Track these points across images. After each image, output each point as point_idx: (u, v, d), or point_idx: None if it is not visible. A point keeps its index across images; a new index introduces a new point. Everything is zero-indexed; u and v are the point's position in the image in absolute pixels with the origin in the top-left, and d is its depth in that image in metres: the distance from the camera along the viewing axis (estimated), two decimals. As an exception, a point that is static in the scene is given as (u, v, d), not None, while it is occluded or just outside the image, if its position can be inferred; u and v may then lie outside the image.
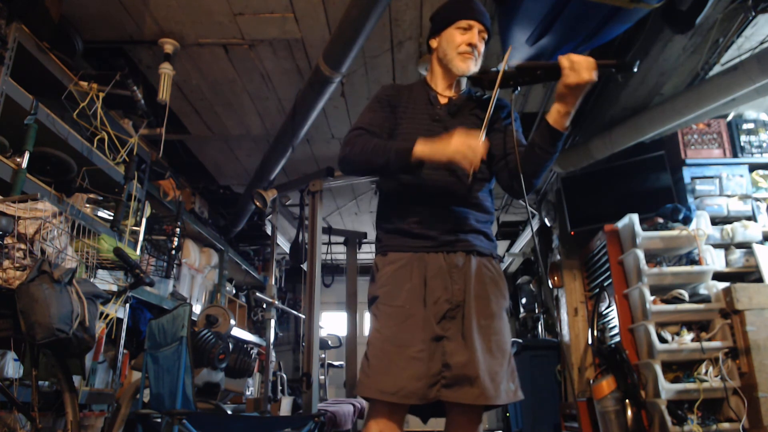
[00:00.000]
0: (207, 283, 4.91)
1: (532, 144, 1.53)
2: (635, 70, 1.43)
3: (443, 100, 1.68)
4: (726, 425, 3.15)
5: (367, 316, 1.62)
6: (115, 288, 2.69)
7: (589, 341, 3.98)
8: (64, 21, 2.85)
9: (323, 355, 5.10)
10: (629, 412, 3.35)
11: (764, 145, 3.92)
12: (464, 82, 1.73)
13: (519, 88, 1.51)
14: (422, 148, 1.45)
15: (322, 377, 5.08)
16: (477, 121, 1.65)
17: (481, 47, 1.67)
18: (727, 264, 3.65)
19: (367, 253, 7.15)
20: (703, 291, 3.49)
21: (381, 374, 1.46)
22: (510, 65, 1.48)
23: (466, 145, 1.40)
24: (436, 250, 1.56)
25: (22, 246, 1.74)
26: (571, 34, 2.53)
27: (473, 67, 1.63)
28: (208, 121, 4.13)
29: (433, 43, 1.72)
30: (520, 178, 1.52)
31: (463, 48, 1.63)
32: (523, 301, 6.77)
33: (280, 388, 4.32)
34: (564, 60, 1.39)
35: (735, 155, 3.92)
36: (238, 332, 4.84)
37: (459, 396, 1.44)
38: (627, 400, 3.39)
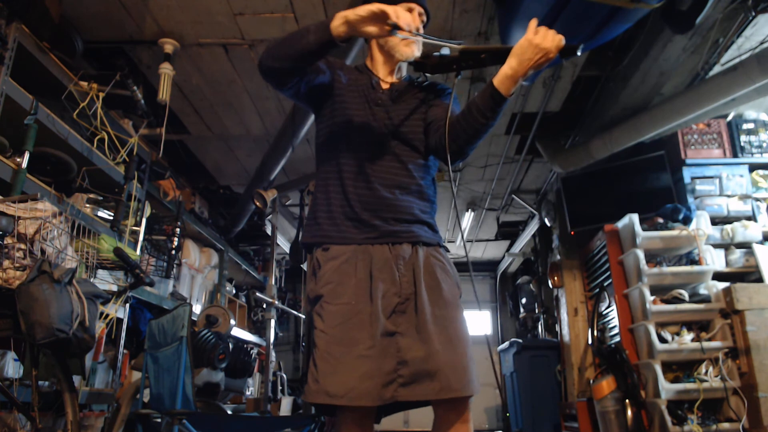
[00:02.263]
0: (207, 283, 4.91)
1: (470, 104, 1.46)
2: (578, 53, 1.39)
3: (385, 86, 1.65)
4: (726, 425, 3.15)
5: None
6: (115, 288, 2.69)
7: (589, 341, 3.98)
8: (64, 21, 2.85)
9: (323, 355, 5.08)
10: (629, 412, 3.35)
11: (764, 145, 3.92)
12: (405, 67, 1.70)
13: (461, 73, 1.48)
14: (344, 12, 1.35)
15: (322, 377, 5.06)
16: (420, 105, 1.63)
17: (421, 30, 1.64)
18: (727, 264, 3.65)
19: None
20: (703, 291, 3.49)
21: (329, 377, 1.36)
22: (453, 49, 1.45)
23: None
24: (381, 241, 1.49)
25: (22, 246, 1.74)
26: (572, 35, 2.52)
27: (416, 51, 1.58)
28: (208, 121, 4.13)
29: None
30: (446, 137, 1.48)
31: None
32: (523, 301, 6.77)
33: (280, 388, 4.32)
34: (534, 23, 1.37)
35: (735, 155, 3.92)
36: (238, 332, 4.83)
37: (419, 393, 1.37)
38: (627, 400, 3.39)
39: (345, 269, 1.48)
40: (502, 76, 1.38)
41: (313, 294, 1.52)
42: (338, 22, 1.35)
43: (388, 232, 1.51)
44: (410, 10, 1.61)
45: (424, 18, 1.66)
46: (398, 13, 1.33)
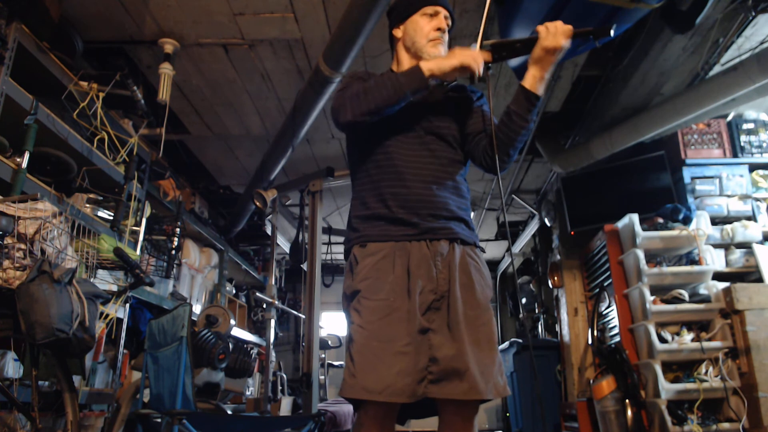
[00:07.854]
0: (207, 283, 4.91)
1: (508, 112, 1.52)
2: (612, 34, 1.43)
3: None
4: (726, 425, 3.15)
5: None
6: (115, 288, 2.69)
7: (589, 341, 3.98)
8: (64, 21, 2.85)
9: (323, 355, 5.09)
10: (629, 412, 3.35)
11: (764, 145, 3.93)
12: None
13: (491, 66, 1.52)
14: (429, 64, 1.47)
15: (322, 377, 5.08)
16: (450, 102, 1.67)
17: (446, 36, 1.69)
18: (727, 264, 3.65)
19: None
20: (703, 291, 3.49)
21: (367, 372, 1.37)
22: (485, 44, 1.49)
23: (469, 52, 1.46)
24: (419, 238, 1.50)
25: (22, 246, 1.74)
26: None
27: (443, 51, 1.64)
28: (208, 121, 4.13)
29: (397, 33, 1.72)
30: (495, 148, 1.53)
31: (433, 35, 1.64)
32: (523, 301, 6.77)
33: (280, 388, 4.32)
34: (541, 27, 1.46)
35: (735, 155, 3.92)
36: (238, 332, 4.84)
37: (448, 391, 1.38)
38: (627, 400, 3.39)
39: (382, 265, 1.49)
40: (532, 79, 1.48)
41: (350, 290, 1.53)
42: (428, 75, 1.47)
43: (426, 229, 1.52)
44: (436, 13, 1.66)
45: (449, 22, 1.69)
46: (477, 62, 1.46)
